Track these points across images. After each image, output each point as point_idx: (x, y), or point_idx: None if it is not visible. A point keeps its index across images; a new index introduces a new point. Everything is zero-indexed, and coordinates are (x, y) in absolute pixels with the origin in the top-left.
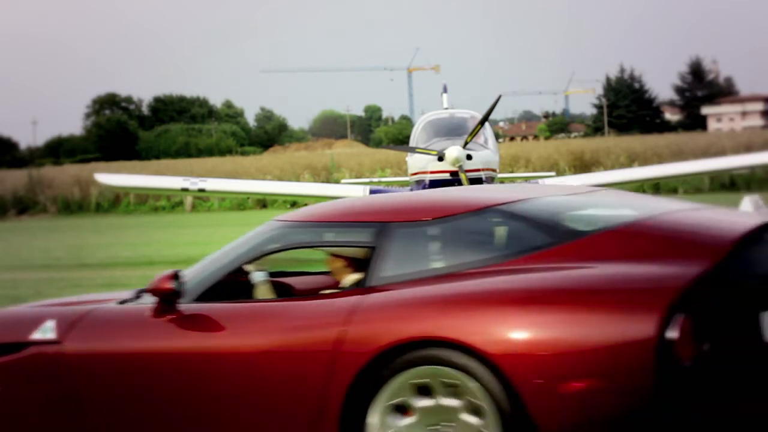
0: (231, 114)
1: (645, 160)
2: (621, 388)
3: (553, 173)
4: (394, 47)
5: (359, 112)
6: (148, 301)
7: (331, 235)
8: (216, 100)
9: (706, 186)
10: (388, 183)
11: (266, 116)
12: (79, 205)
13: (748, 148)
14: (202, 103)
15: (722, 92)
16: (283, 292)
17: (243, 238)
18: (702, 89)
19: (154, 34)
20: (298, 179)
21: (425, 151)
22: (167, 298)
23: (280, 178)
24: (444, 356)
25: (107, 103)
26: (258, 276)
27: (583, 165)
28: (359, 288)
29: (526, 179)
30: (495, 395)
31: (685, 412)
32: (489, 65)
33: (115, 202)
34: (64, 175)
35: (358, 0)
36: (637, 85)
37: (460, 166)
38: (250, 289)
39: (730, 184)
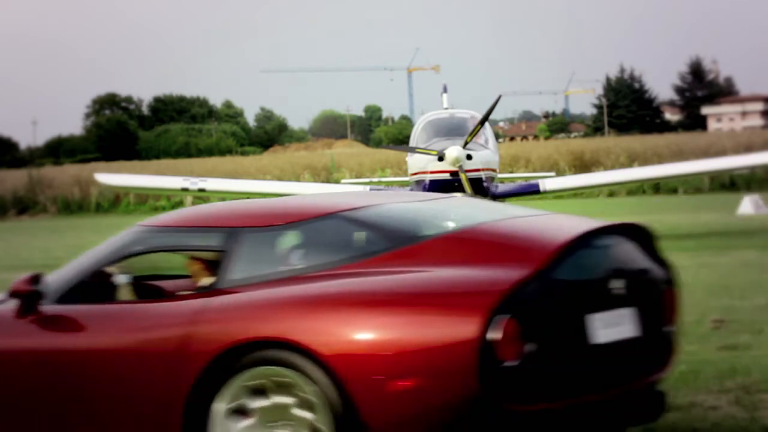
0: (231, 114)
1: (645, 160)
2: (446, 387)
3: (553, 173)
4: (394, 47)
5: (359, 112)
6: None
7: (189, 240)
8: (216, 100)
9: (706, 186)
10: (388, 183)
11: (266, 116)
12: (79, 205)
13: (748, 148)
14: (202, 103)
15: (722, 92)
16: (154, 294)
17: (107, 241)
18: (702, 89)
19: (154, 34)
20: (298, 179)
21: (425, 151)
22: (27, 299)
23: (280, 178)
24: (281, 357)
25: (107, 103)
26: (121, 278)
27: (583, 165)
28: (209, 290)
29: (526, 179)
30: (328, 395)
31: (511, 411)
32: (489, 65)
33: (115, 202)
34: (64, 175)
35: (358, 0)
36: (637, 85)
37: (460, 166)
38: (114, 291)
39: (730, 184)
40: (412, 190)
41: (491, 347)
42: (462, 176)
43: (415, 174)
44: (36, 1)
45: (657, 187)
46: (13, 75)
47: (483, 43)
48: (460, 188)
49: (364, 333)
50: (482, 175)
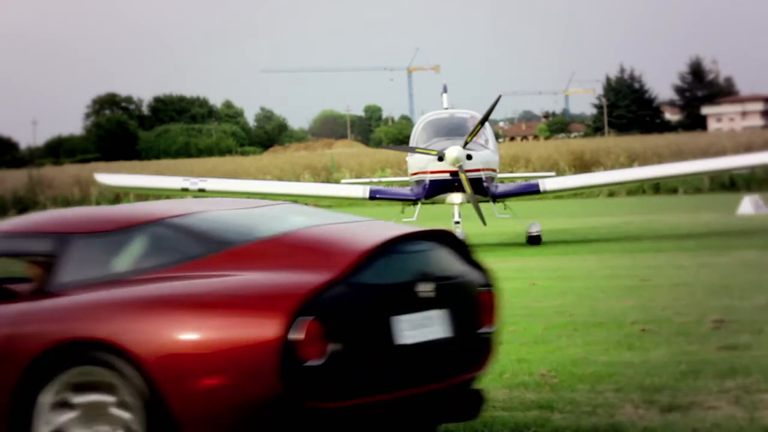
0: (231, 114)
1: (645, 160)
2: (250, 385)
3: (553, 173)
4: (394, 47)
5: (359, 112)
6: None
7: (26, 245)
8: (216, 100)
9: (706, 186)
10: (388, 183)
11: (266, 116)
12: (79, 205)
13: (748, 148)
14: (202, 103)
15: (722, 92)
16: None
17: None
18: (702, 89)
19: (154, 34)
20: (298, 179)
21: (425, 151)
22: None
23: (280, 178)
24: (100, 356)
25: (107, 103)
26: None
27: (583, 165)
28: (39, 293)
29: (526, 179)
30: (142, 392)
31: (314, 408)
32: (489, 65)
33: (115, 202)
34: (64, 175)
35: (358, 0)
36: (637, 85)
37: (460, 166)
38: None
39: (730, 184)
40: (412, 190)
41: (294, 347)
42: (462, 176)
43: (415, 174)
44: (36, 1)
45: (657, 187)
46: (13, 75)
47: (483, 43)
48: (460, 188)
49: (176, 333)
50: (482, 175)
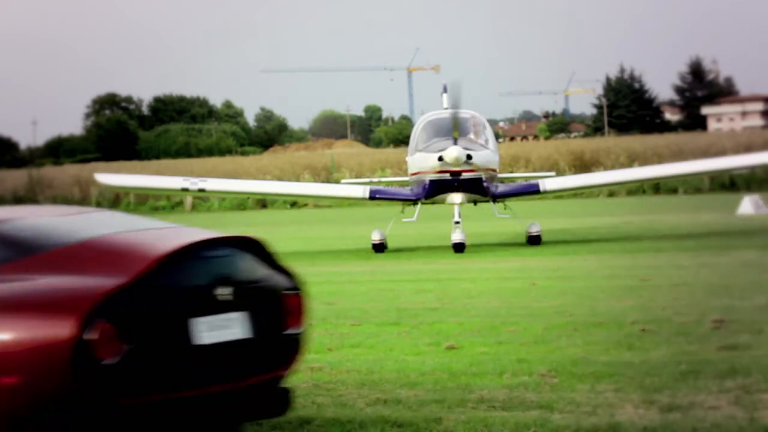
0: (231, 114)
1: (645, 160)
2: (46, 384)
3: (553, 173)
4: (394, 47)
5: (359, 112)
6: None
7: None
8: (216, 100)
9: (706, 186)
10: (388, 183)
11: (266, 116)
12: (79, 205)
13: (748, 148)
14: (202, 103)
15: (722, 92)
16: None
17: None
18: (702, 89)
19: (154, 34)
20: (298, 179)
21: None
22: None
23: (280, 178)
24: None
25: (107, 103)
26: None
27: (583, 165)
28: None
29: (526, 179)
30: None
31: (111, 404)
32: (489, 65)
33: (115, 202)
34: (64, 175)
35: (358, 0)
36: (637, 85)
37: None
38: None
39: (730, 184)
40: (412, 190)
41: (88, 347)
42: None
43: (415, 174)
44: (36, 1)
45: (657, 187)
46: (13, 75)
47: (483, 43)
48: (460, 188)
49: None
50: (482, 175)
